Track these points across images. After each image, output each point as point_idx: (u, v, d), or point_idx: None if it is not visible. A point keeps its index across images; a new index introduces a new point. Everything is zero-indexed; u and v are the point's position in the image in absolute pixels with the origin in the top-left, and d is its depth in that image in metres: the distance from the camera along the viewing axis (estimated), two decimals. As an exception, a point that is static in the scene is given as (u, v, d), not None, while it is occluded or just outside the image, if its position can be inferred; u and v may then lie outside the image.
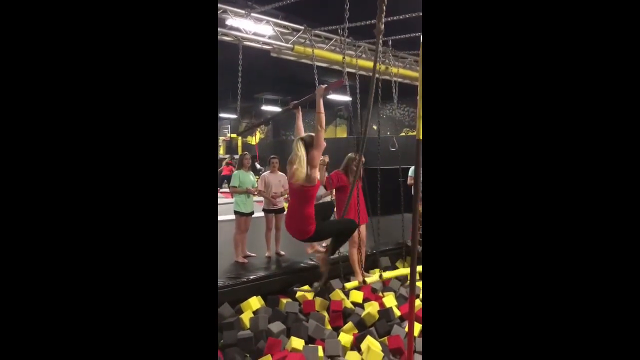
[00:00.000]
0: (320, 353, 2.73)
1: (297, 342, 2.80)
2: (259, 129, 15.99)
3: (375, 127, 15.45)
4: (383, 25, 2.00)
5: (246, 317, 3.13)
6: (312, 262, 3.90)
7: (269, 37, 3.64)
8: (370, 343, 2.90)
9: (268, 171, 4.13)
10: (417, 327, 3.08)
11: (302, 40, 3.79)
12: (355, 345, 3.03)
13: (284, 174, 4.17)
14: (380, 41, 2.04)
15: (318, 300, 3.53)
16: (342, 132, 15.50)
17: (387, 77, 4.38)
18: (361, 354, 2.88)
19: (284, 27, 3.75)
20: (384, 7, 1.91)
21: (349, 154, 3.69)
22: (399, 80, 4.73)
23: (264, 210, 4.10)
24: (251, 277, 3.51)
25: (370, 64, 4.16)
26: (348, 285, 3.52)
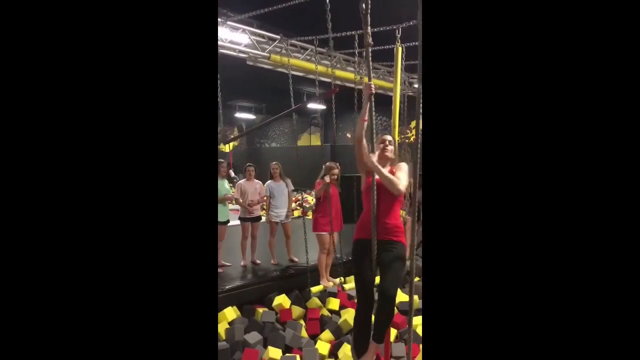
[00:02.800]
0: (298, 362, 2.71)
1: (274, 352, 2.77)
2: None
3: (349, 135, 15.66)
4: (371, 37, 2.02)
5: (222, 328, 3.08)
6: (289, 271, 3.89)
7: (245, 46, 3.65)
8: (348, 350, 2.91)
9: (244, 179, 4.09)
10: (393, 333, 3.13)
11: (278, 50, 3.82)
12: (333, 353, 3.03)
13: (260, 182, 4.15)
14: (365, 53, 2.04)
15: (295, 308, 3.52)
16: (316, 140, 15.58)
17: (361, 87, 4.51)
18: (338, 362, 2.89)
19: (260, 35, 3.76)
20: (369, 20, 1.95)
21: (327, 163, 3.72)
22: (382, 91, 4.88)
23: (240, 218, 4.06)
24: (227, 287, 3.45)
25: (344, 74, 4.25)
26: (314, 289, 3.64)
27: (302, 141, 16.09)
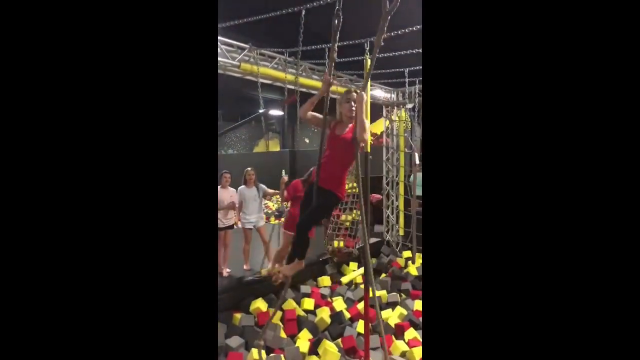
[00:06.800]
0: (282, 360, 2.80)
1: (258, 353, 2.83)
2: None
3: (307, 141, 15.84)
4: (336, 53, 2.24)
5: (201, 334, 3.07)
6: (258, 277, 3.95)
7: (213, 54, 3.70)
8: (327, 346, 3.05)
9: (219, 186, 4.07)
10: (368, 327, 3.31)
11: (247, 59, 3.89)
12: (313, 350, 3.15)
13: (233, 189, 4.14)
14: (328, 66, 2.26)
15: (272, 311, 3.59)
16: (274, 146, 15.60)
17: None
18: (319, 357, 3.02)
19: (229, 45, 3.81)
20: (337, 37, 2.14)
21: (313, 168, 3.80)
22: (335, 96, 5.13)
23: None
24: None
25: (309, 82, 4.41)
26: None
27: (259, 147, 16.03)
